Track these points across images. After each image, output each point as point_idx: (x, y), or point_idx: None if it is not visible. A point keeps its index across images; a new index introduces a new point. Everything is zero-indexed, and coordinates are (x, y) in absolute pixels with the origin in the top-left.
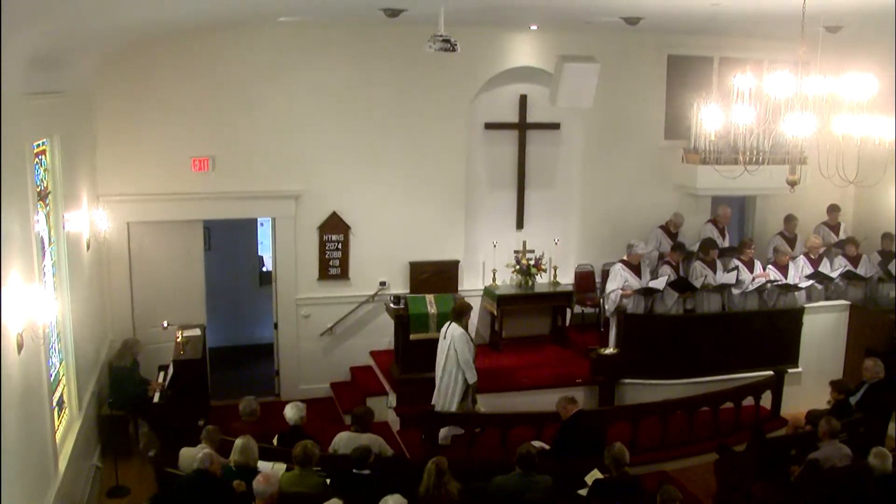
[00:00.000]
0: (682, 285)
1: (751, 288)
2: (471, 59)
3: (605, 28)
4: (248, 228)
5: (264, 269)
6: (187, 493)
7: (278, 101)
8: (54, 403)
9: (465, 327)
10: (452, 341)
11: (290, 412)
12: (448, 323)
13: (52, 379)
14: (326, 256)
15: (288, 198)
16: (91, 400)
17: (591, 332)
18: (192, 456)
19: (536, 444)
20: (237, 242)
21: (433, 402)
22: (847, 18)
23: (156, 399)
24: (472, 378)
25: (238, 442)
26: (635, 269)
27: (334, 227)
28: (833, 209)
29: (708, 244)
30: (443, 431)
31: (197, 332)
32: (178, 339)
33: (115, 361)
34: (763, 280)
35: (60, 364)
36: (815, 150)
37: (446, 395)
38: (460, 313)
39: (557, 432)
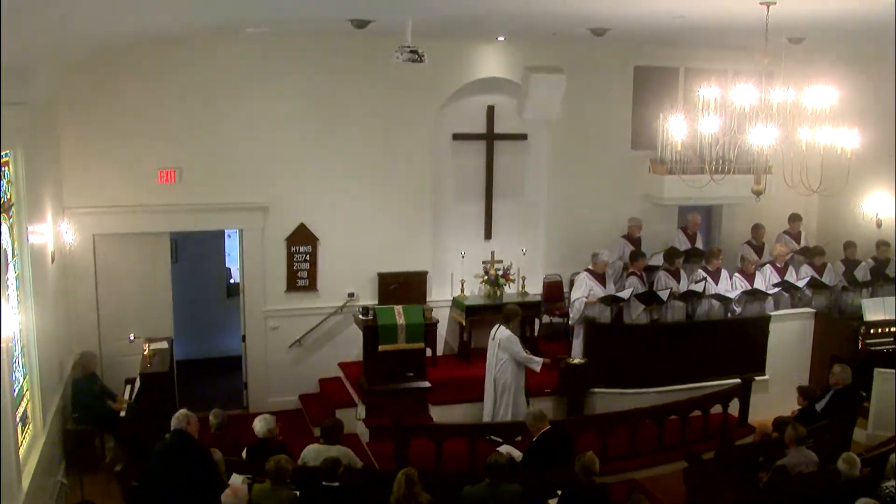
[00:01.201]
0: (648, 298)
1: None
2: (438, 70)
3: (572, 39)
4: (215, 240)
5: (232, 280)
6: (166, 454)
7: (246, 112)
8: (17, 419)
9: (514, 331)
10: (500, 342)
11: (259, 425)
12: (497, 326)
13: (15, 394)
14: (294, 268)
15: (255, 209)
16: (56, 415)
17: (560, 341)
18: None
19: (504, 449)
20: (204, 254)
21: (484, 405)
22: (809, 31)
23: (122, 413)
24: (537, 366)
25: None
26: (600, 277)
27: (302, 239)
28: (794, 218)
29: (672, 253)
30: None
31: (164, 344)
32: (145, 353)
33: (75, 376)
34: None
35: (24, 379)
36: (780, 159)
37: (504, 396)
38: (507, 317)
39: (527, 449)
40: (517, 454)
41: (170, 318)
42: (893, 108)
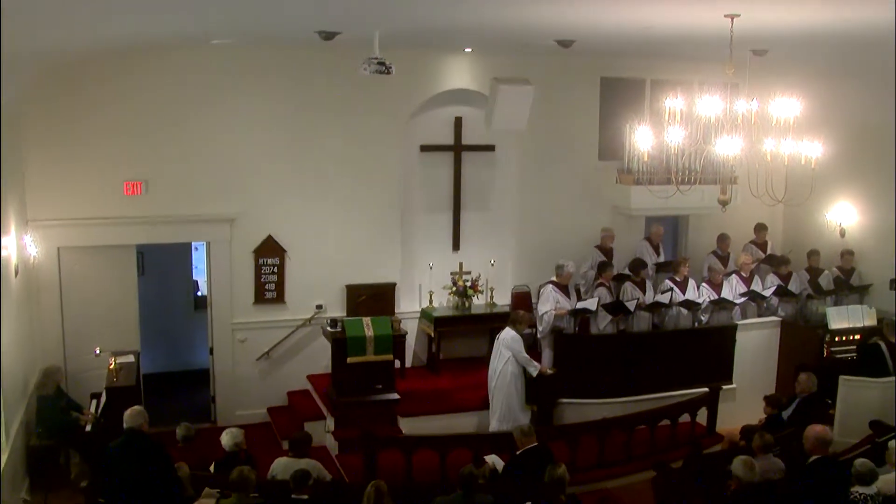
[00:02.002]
0: (615, 308)
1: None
2: (406, 82)
3: (539, 51)
4: (182, 252)
5: (199, 293)
6: (121, 454)
7: (212, 123)
8: None
9: (520, 333)
10: (504, 341)
11: (227, 438)
12: (505, 329)
13: None
14: (262, 280)
15: (223, 221)
16: (19, 430)
17: (529, 353)
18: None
19: (490, 458)
20: (171, 267)
21: (490, 407)
22: (772, 42)
23: (88, 428)
24: (535, 370)
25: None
26: (565, 289)
27: (270, 251)
28: (760, 228)
29: (638, 265)
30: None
31: (130, 358)
32: (111, 366)
33: (39, 391)
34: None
35: None
36: (745, 169)
37: (509, 397)
38: (515, 320)
39: (509, 461)
40: (501, 465)
41: (136, 331)
42: (856, 118)
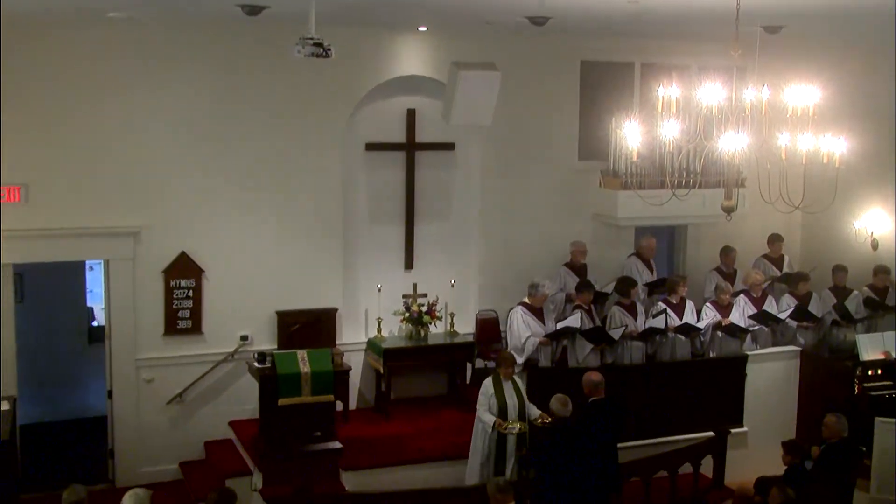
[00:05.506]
0: (597, 335)
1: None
2: (349, 67)
3: (508, 30)
4: (73, 274)
5: (95, 323)
6: None
7: (111, 116)
8: None
9: (508, 377)
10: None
11: (129, 502)
12: None
13: None
14: (174, 306)
15: (125, 235)
16: None
17: None
18: None
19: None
20: (59, 292)
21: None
22: (788, 17)
23: None
24: (481, 424)
25: None
26: (538, 312)
27: (184, 271)
28: (775, 239)
29: (626, 284)
30: None
31: (4, 405)
32: None
33: None
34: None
35: None
36: (755, 170)
37: (472, 454)
38: (497, 362)
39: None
40: None
41: (13, 371)
42: (893, 107)
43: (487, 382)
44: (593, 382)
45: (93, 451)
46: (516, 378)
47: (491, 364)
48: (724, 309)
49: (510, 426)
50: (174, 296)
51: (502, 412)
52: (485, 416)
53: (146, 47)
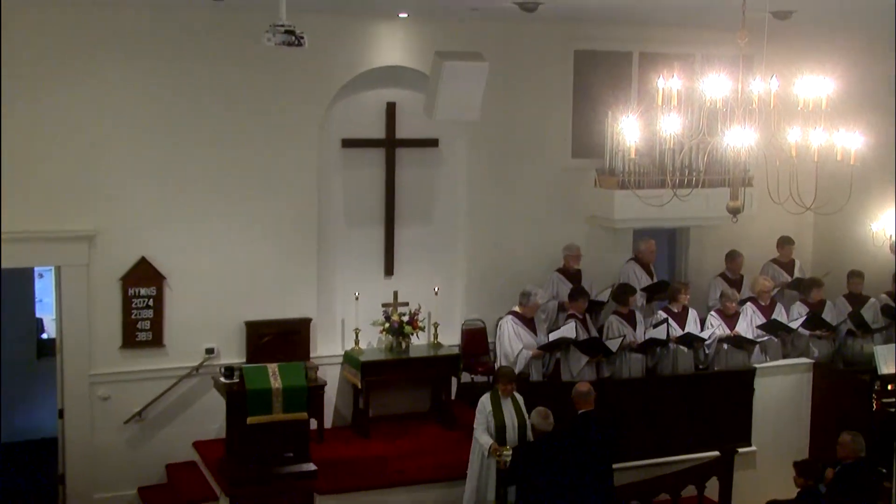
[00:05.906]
0: (592, 347)
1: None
2: (323, 57)
3: (496, 17)
4: (19, 282)
5: (44, 335)
6: None
7: (64, 108)
8: None
9: (507, 395)
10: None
11: None
12: None
13: None
14: (133, 317)
15: (78, 239)
16: None
17: None
18: None
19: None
20: (4, 301)
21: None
22: (799, 2)
23: None
24: (478, 446)
25: None
26: (529, 323)
27: (144, 278)
28: (785, 242)
29: (624, 291)
30: None
31: None
32: None
33: None
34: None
35: None
36: (763, 168)
37: (469, 479)
38: (495, 378)
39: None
40: None
41: None
42: None
43: (485, 400)
44: (581, 393)
45: (41, 475)
46: (517, 395)
47: (478, 378)
48: (730, 318)
49: (506, 454)
50: (133, 305)
51: (501, 433)
52: (482, 437)
53: (101, 32)
